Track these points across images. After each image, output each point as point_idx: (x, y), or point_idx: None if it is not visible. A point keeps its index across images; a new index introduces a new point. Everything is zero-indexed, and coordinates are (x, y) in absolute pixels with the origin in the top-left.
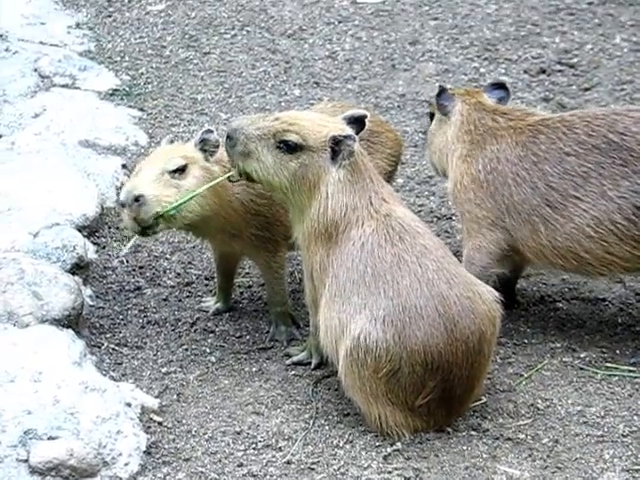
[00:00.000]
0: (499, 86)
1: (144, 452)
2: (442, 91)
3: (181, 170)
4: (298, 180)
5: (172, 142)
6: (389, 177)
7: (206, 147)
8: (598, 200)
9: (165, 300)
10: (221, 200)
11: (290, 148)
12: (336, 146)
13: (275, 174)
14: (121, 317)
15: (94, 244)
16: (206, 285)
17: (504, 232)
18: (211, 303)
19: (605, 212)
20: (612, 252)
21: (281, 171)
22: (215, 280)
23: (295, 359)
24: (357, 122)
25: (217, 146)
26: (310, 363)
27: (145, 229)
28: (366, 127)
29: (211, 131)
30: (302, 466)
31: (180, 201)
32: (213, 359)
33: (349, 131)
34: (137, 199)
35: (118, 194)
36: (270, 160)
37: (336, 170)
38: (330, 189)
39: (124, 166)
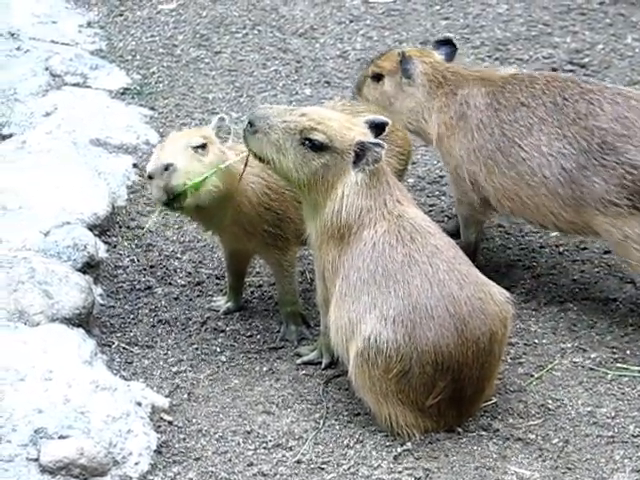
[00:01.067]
0: (445, 42)
1: (154, 451)
2: (404, 55)
3: (202, 147)
4: (317, 179)
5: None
6: (399, 176)
7: (220, 133)
8: (534, 152)
9: (176, 299)
10: (237, 185)
11: (315, 147)
12: (361, 151)
13: (295, 169)
14: (132, 316)
15: (105, 243)
16: (217, 284)
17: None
18: (222, 302)
19: (538, 165)
20: (545, 205)
21: (301, 167)
22: (226, 279)
23: (305, 359)
24: (377, 128)
25: (229, 133)
26: (320, 363)
27: (172, 201)
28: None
29: (224, 119)
30: (312, 465)
31: (207, 173)
32: (223, 358)
33: (376, 138)
34: (167, 168)
35: (144, 170)
36: (292, 155)
37: (355, 173)
38: (347, 191)
39: (135, 165)
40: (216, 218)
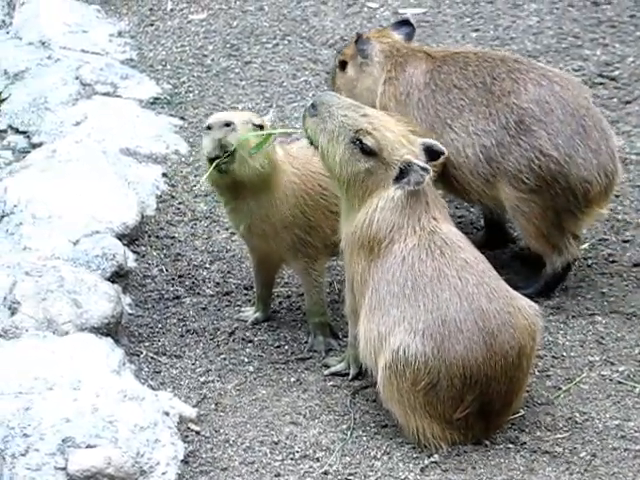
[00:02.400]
0: (404, 23)
1: (182, 461)
2: (359, 37)
3: (261, 127)
4: (358, 181)
5: None
6: None
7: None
8: (462, 133)
9: (204, 309)
10: (279, 176)
11: (364, 150)
12: (406, 170)
13: (340, 164)
14: (160, 326)
15: (134, 252)
16: (245, 294)
17: None
18: (250, 313)
19: (463, 145)
20: (470, 182)
21: (346, 165)
22: (254, 290)
23: (333, 370)
24: (432, 153)
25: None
26: (348, 374)
27: (222, 160)
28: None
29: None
30: (339, 477)
31: (262, 139)
32: (251, 369)
33: (425, 163)
34: (227, 124)
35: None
36: (341, 149)
37: (394, 190)
38: (382, 204)
39: (164, 175)
40: (251, 204)
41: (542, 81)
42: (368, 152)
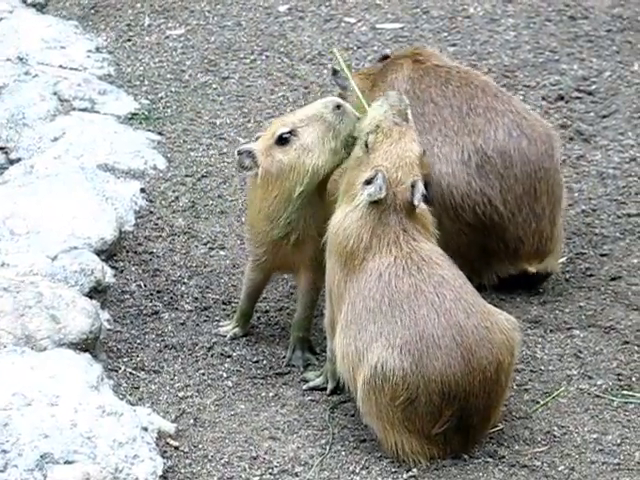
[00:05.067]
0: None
1: (160, 477)
2: (333, 72)
3: None
4: (353, 170)
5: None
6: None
7: None
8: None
9: (182, 324)
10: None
11: (367, 147)
12: (373, 179)
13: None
14: (138, 341)
15: (112, 268)
16: (223, 309)
17: None
18: (229, 327)
19: None
20: None
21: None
22: (236, 304)
23: (312, 384)
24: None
25: None
26: (326, 388)
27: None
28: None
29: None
30: None
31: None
32: (230, 384)
33: (421, 189)
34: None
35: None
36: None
37: (359, 195)
38: (349, 209)
39: (142, 190)
40: (317, 206)
41: (513, 131)
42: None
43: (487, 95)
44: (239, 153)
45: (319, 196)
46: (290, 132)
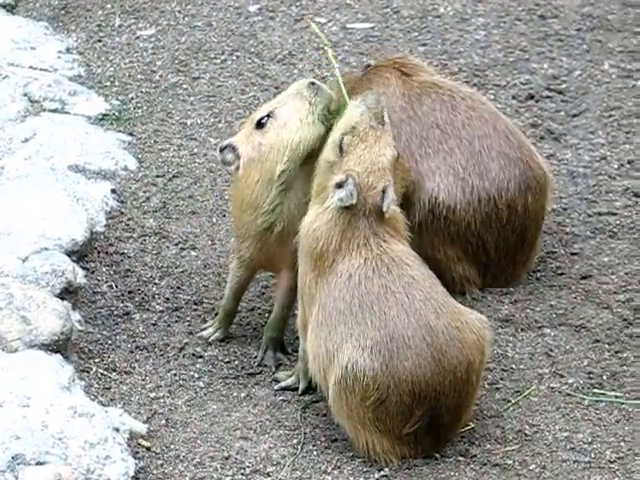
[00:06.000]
0: None
1: (132, 477)
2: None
3: None
4: (326, 171)
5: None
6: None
7: None
8: (428, 174)
9: (154, 325)
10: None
11: (340, 150)
12: (344, 182)
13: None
14: (110, 342)
15: (83, 269)
16: (195, 310)
17: None
18: (211, 330)
19: (416, 186)
20: None
21: (328, 150)
22: (221, 304)
23: (283, 384)
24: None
25: None
26: (298, 388)
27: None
28: None
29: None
30: None
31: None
32: (201, 384)
33: (391, 195)
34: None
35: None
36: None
37: (329, 198)
38: (320, 211)
39: (113, 191)
40: (300, 194)
41: (522, 184)
42: (340, 149)
43: (499, 135)
44: (221, 150)
45: (303, 186)
46: (268, 115)
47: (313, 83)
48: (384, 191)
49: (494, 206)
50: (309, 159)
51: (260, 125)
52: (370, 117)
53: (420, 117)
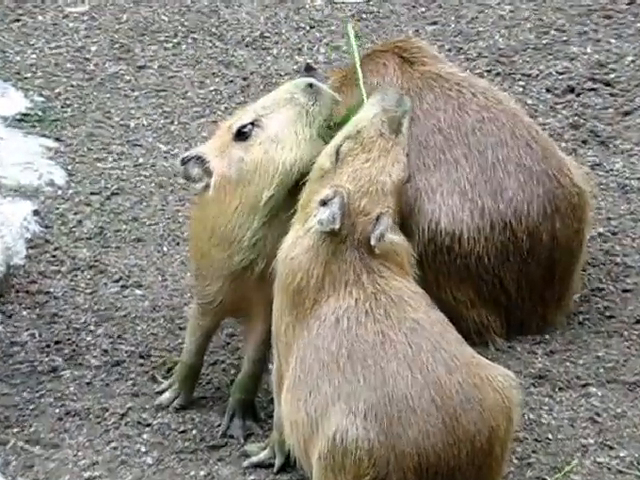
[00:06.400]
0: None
1: None
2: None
3: None
4: (316, 181)
5: None
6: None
7: None
8: (423, 192)
9: (88, 384)
10: None
11: (337, 157)
12: (324, 205)
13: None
14: (32, 406)
15: None
16: (140, 365)
17: None
18: (170, 395)
19: (414, 204)
20: None
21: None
22: (181, 360)
23: (255, 459)
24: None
25: None
26: (273, 464)
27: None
28: None
29: None
30: None
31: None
32: (150, 460)
33: (384, 225)
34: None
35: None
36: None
37: (312, 218)
38: (303, 235)
39: (36, 212)
40: (279, 222)
41: (548, 207)
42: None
43: (519, 143)
44: (184, 162)
45: (290, 207)
46: (252, 123)
47: (311, 85)
48: (378, 219)
49: (512, 234)
50: (303, 184)
51: (241, 136)
52: (383, 122)
53: (419, 118)
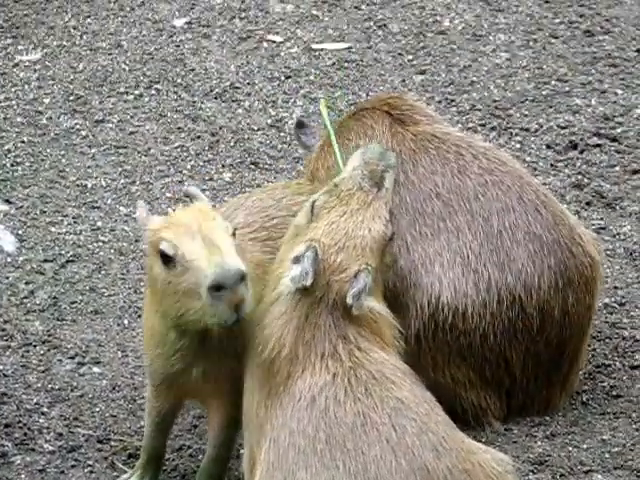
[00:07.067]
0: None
1: None
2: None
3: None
4: (290, 240)
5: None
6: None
7: None
8: (419, 264)
9: (41, 472)
10: None
11: (312, 211)
12: (299, 257)
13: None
14: None
15: None
16: (99, 450)
17: None
18: None
19: (411, 278)
20: None
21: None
22: (143, 445)
23: None
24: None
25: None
26: None
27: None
28: None
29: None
30: None
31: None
32: None
33: (362, 284)
34: (243, 277)
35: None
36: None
37: (285, 287)
38: (279, 305)
39: None
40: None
41: (560, 279)
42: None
43: (527, 209)
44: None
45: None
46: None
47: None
48: (356, 276)
49: (521, 309)
50: None
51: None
52: (363, 175)
53: (414, 183)
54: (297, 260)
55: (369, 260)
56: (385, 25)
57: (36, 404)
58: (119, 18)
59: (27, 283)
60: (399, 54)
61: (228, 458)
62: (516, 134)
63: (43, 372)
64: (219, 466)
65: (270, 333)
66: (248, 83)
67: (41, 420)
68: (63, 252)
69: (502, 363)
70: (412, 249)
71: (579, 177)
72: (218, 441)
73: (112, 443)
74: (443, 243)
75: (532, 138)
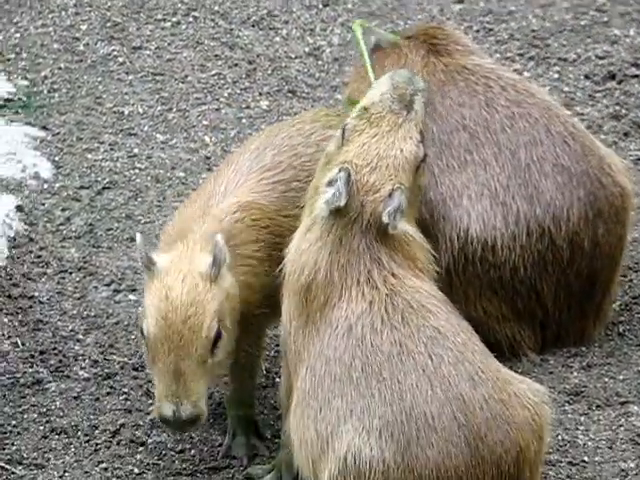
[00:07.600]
0: None
1: None
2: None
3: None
4: (322, 169)
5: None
6: None
7: None
8: (447, 196)
9: (76, 399)
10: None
11: (343, 137)
12: (330, 185)
13: None
14: (14, 423)
15: None
16: (134, 378)
17: None
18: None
19: (433, 211)
20: None
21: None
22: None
23: None
24: None
25: None
26: None
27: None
28: None
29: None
30: None
31: None
32: None
33: (397, 202)
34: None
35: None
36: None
37: (320, 208)
38: (314, 231)
39: (19, 208)
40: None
41: (590, 211)
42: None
43: (555, 141)
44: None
45: None
46: None
47: None
48: (390, 195)
49: (550, 241)
50: None
51: None
52: (393, 99)
53: (442, 115)
54: (330, 183)
55: (402, 180)
56: None
57: (71, 331)
58: None
59: (63, 210)
60: None
61: (253, 387)
62: (554, 64)
63: (79, 299)
64: (245, 394)
65: (306, 259)
66: (286, 11)
67: (76, 347)
68: (99, 179)
69: (533, 295)
70: (439, 181)
71: (617, 108)
72: (235, 370)
73: (147, 371)
74: (470, 175)
75: (570, 68)
